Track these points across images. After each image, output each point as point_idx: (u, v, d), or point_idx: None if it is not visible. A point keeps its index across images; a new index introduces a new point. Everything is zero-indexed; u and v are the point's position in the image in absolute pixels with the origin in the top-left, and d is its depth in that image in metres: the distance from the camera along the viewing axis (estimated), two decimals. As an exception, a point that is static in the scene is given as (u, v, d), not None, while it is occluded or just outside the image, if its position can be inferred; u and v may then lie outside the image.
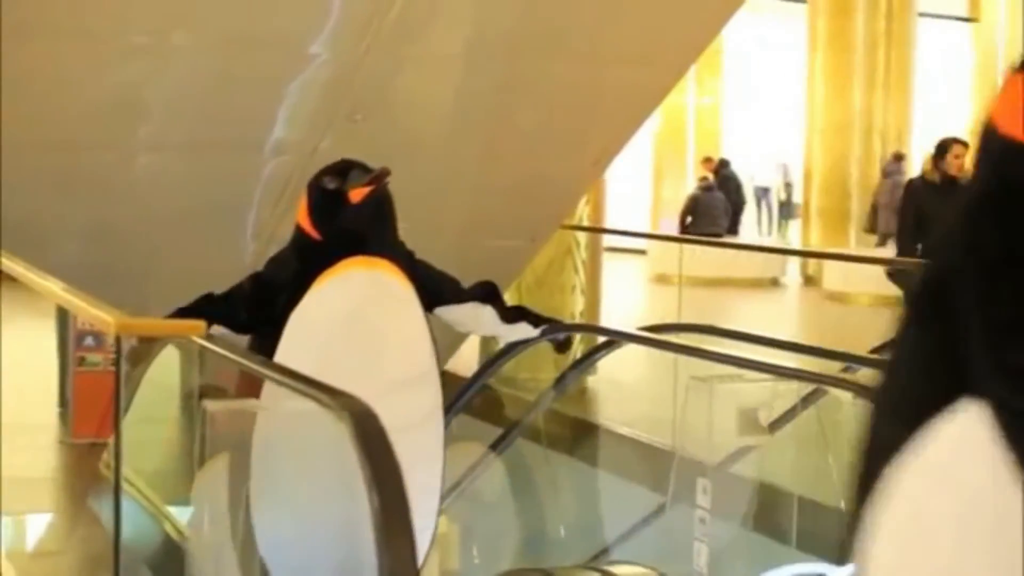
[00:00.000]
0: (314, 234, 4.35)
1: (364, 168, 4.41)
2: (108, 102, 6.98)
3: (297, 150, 7.33)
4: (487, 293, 4.74)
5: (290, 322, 4.14)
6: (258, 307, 4.28)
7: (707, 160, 20.79)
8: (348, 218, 4.29)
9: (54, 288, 3.81)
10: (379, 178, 4.28)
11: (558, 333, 5.07)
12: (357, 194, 4.29)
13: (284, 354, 4.03)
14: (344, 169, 4.41)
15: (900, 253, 10.27)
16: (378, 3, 6.64)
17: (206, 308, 4.21)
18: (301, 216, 4.44)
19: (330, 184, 4.37)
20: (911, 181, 10.73)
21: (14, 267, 4.42)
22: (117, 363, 3.09)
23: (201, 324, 3.16)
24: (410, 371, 4.33)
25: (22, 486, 6.39)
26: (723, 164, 20.51)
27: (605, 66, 7.13)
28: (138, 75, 6.95)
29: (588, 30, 7.07)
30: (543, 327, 4.88)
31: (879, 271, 14.47)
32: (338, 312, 4.22)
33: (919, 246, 10.07)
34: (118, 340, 3.07)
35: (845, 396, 5.26)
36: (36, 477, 6.79)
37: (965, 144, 10.20)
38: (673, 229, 19.58)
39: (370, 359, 4.20)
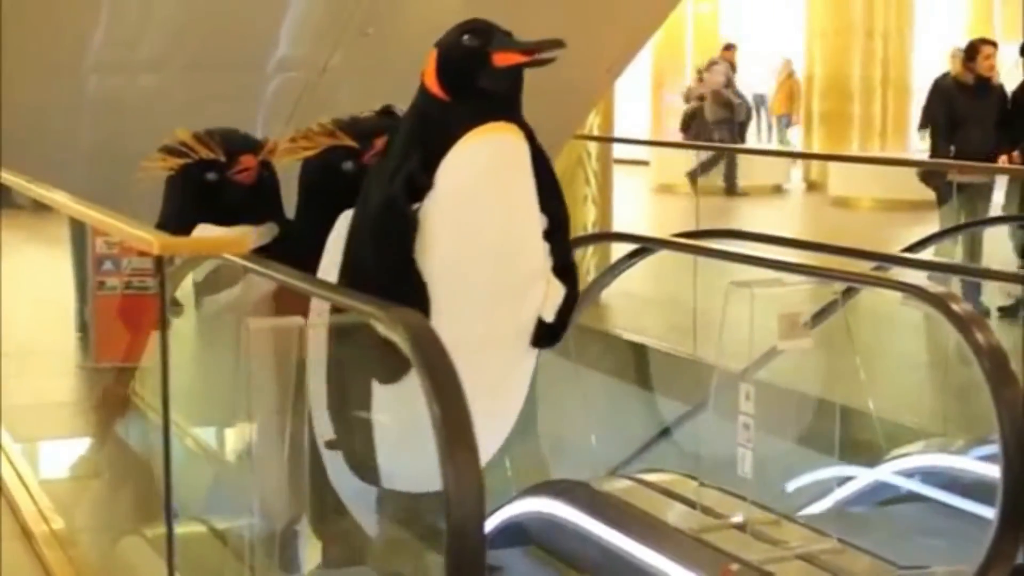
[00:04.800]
0: (442, 95, 4.11)
1: (506, 33, 4.12)
2: (109, 23, 6.91)
3: (305, 67, 7.25)
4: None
5: (436, 191, 3.99)
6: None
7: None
8: (488, 81, 4.06)
9: (92, 212, 3.75)
10: (537, 52, 4.00)
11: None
12: (504, 58, 4.04)
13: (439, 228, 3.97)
14: (486, 29, 4.12)
15: (933, 154, 10.33)
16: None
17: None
18: (428, 76, 4.16)
19: (471, 42, 4.09)
20: (941, 83, 10.72)
21: (45, 193, 4.39)
22: (161, 285, 3.02)
23: (245, 240, 3.09)
24: (535, 262, 4.16)
25: (46, 412, 6.38)
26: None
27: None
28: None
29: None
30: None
31: (884, 175, 14.46)
32: (486, 176, 4.03)
33: (952, 147, 10.12)
34: (160, 260, 3.00)
35: (875, 297, 5.25)
36: (58, 402, 6.77)
37: (994, 44, 10.27)
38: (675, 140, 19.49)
39: (511, 242, 4.07)
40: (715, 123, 19.12)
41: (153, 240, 2.96)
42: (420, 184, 3.98)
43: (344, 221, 4.29)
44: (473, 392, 3.85)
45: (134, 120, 7.06)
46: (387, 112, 4.72)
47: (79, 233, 7.56)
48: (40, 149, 6.77)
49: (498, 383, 4.17)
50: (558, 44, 3.96)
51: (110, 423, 5.78)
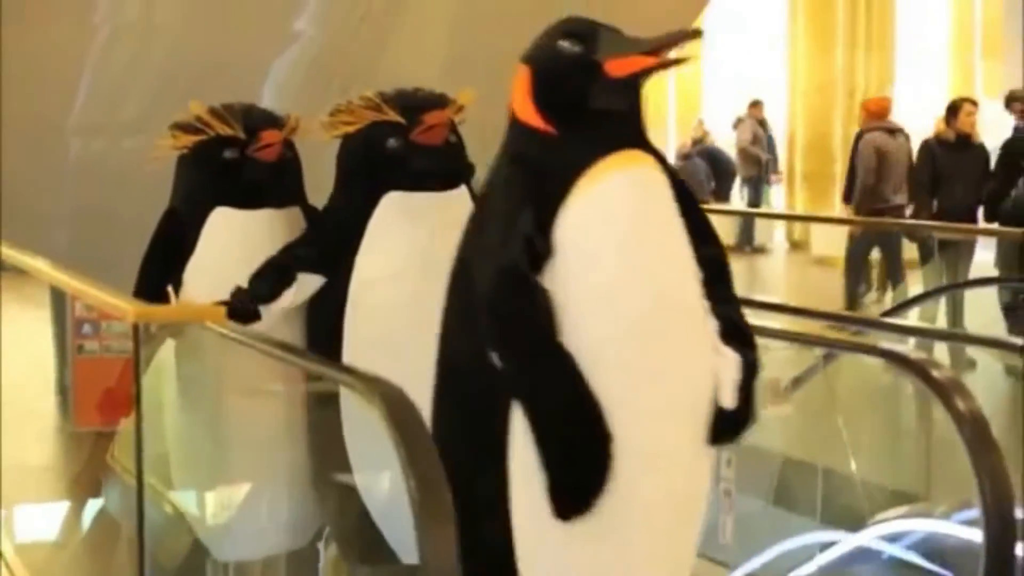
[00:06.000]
0: (544, 126, 3.13)
1: (614, 31, 3.14)
2: (92, 87, 6.92)
3: (287, 127, 7.26)
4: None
5: (558, 257, 3.04)
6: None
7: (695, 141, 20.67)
8: (604, 99, 3.08)
9: (67, 279, 3.74)
10: (666, 50, 3.04)
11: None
12: (622, 66, 3.05)
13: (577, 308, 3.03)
14: (590, 28, 3.14)
15: (916, 211, 10.56)
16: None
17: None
18: (520, 105, 3.18)
19: (574, 48, 3.12)
20: (926, 141, 10.98)
21: (23, 258, 4.35)
22: (136, 352, 2.98)
23: (220, 310, 3.07)
24: (700, 331, 3.20)
25: (24, 475, 6.34)
26: (695, 143, 20.46)
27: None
28: (121, 58, 6.89)
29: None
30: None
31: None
32: (623, 228, 3.06)
33: (935, 203, 10.36)
34: (136, 327, 2.98)
35: (854, 361, 5.25)
36: (37, 467, 6.74)
37: (974, 102, 10.49)
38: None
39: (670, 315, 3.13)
40: (744, 180, 19.45)
41: (128, 308, 2.95)
42: (539, 250, 3.02)
43: (388, 204, 4.03)
44: (649, 518, 3.08)
45: (117, 182, 7.05)
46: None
47: (59, 296, 7.52)
48: (25, 214, 6.77)
49: (677, 501, 3.19)
50: (693, 34, 3.09)
51: (89, 488, 5.74)
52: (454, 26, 7.00)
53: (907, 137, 12.08)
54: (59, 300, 7.67)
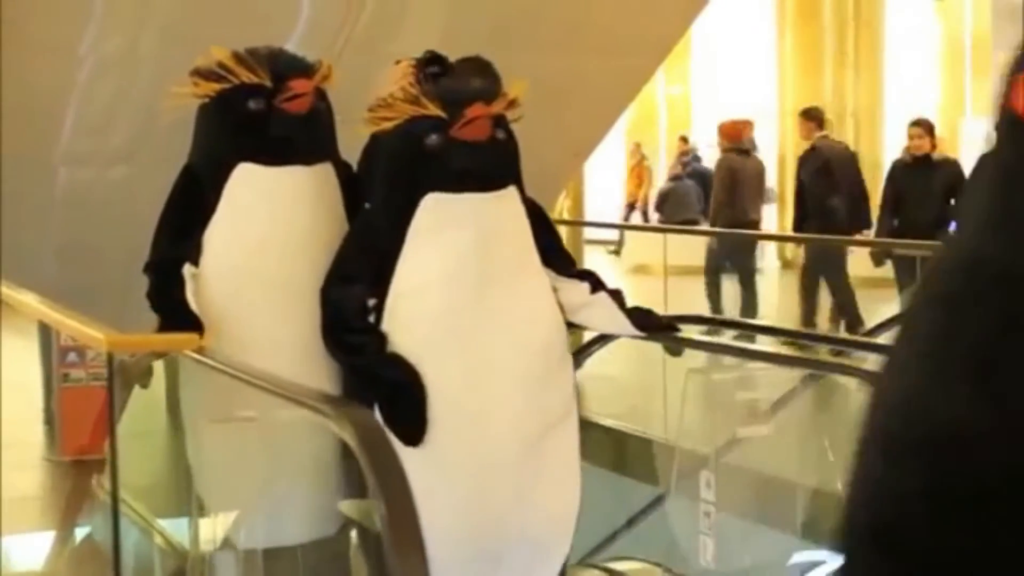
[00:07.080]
0: None
1: None
2: (78, 118, 6.93)
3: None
4: None
5: None
6: None
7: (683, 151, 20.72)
8: None
9: (42, 307, 3.74)
10: None
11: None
12: None
13: None
14: None
15: (878, 228, 10.76)
16: (350, 3, 6.60)
17: None
18: None
19: None
20: (894, 161, 11.29)
21: (5, 289, 4.32)
22: (110, 381, 2.97)
23: (195, 338, 3.06)
24: None
25: (10, 505, 6.33)
26: (685, 164, 20.51)
27: (582, 56, 7.11)
28: (107, 88, 6.90)
29: (563, 21, 7.05)
30: None
31: (855, 253, 14.59)
32: None
33: (895, 222, 10.51)
34: (110, 357, 2.98)
35: (841, 381, 5.25)
36: (24, 496, 6.71)
37: (921, 124, 10.56)
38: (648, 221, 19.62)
39: None
40: None
41: (101, 338, 2.95)
42: None
43: (428, 206, 3.74)
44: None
45: (105, 214, 7.06)
46: (436, 59, 4.00)
47: (46, 325, 7.52)
48: (9, 246, 6.77)
49: None
50: None
51: (75, 517, 5.73)
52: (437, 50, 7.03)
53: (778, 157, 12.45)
54: (46, 329, 7.67)
